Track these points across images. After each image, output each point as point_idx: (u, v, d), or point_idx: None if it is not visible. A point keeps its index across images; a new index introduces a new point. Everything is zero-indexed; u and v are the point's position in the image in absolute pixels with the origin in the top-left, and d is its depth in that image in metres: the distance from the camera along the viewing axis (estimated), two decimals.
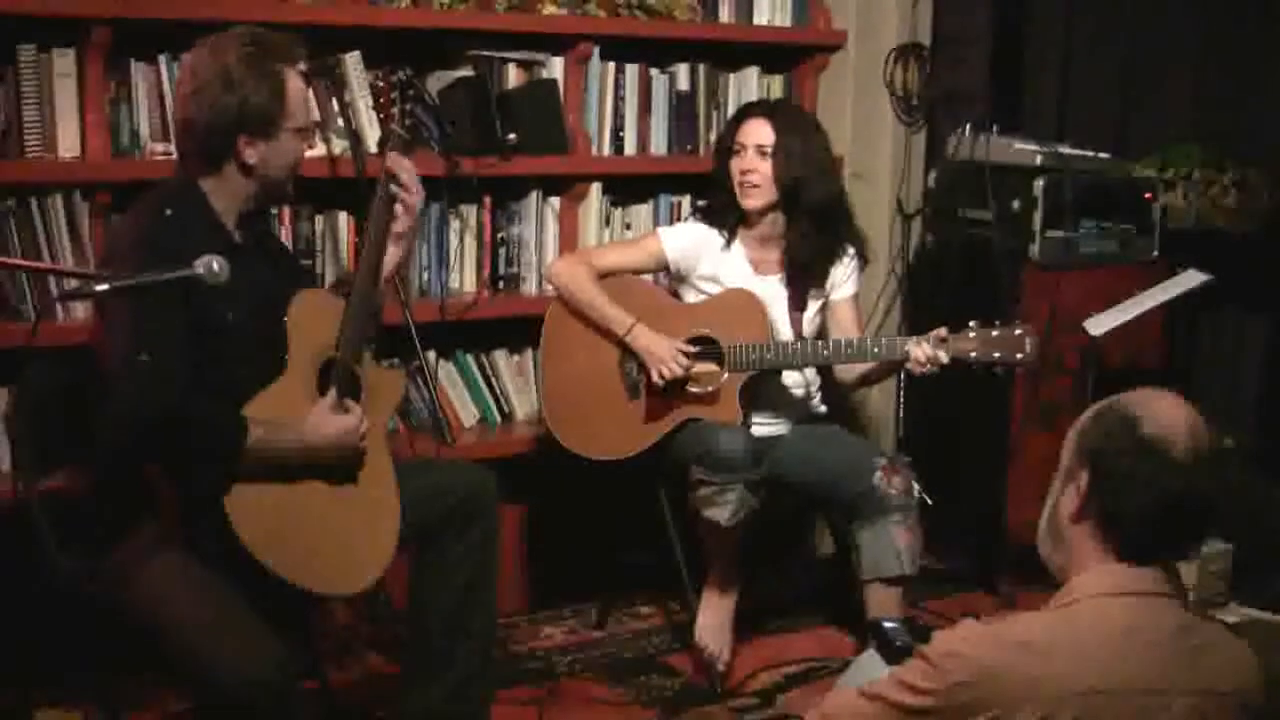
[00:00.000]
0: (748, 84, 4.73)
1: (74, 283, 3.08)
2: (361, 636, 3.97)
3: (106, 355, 2.86)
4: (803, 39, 4.82)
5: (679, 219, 4.52)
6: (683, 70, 4.61)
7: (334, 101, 3.88)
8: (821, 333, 4.05)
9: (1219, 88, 5.21)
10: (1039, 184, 4.61)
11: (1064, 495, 2.16)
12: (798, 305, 4.00)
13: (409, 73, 3.97)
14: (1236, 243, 4.96)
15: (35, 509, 2.68)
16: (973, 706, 2.03)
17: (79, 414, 2.92)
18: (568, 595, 4.41)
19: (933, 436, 4.73)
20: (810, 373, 4.09)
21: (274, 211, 3.76)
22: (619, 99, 4.50)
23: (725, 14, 4.69)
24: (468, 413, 4.37)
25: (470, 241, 4.30)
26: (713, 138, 4.59)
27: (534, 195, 4.38)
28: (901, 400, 4.84)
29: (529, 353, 4.43)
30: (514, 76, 4.32)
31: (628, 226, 4.56)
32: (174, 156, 3.63)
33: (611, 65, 4.46)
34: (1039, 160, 4.65)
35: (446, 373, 4.32)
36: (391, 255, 3.26)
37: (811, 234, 3.95)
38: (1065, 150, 4.74)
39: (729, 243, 4.00)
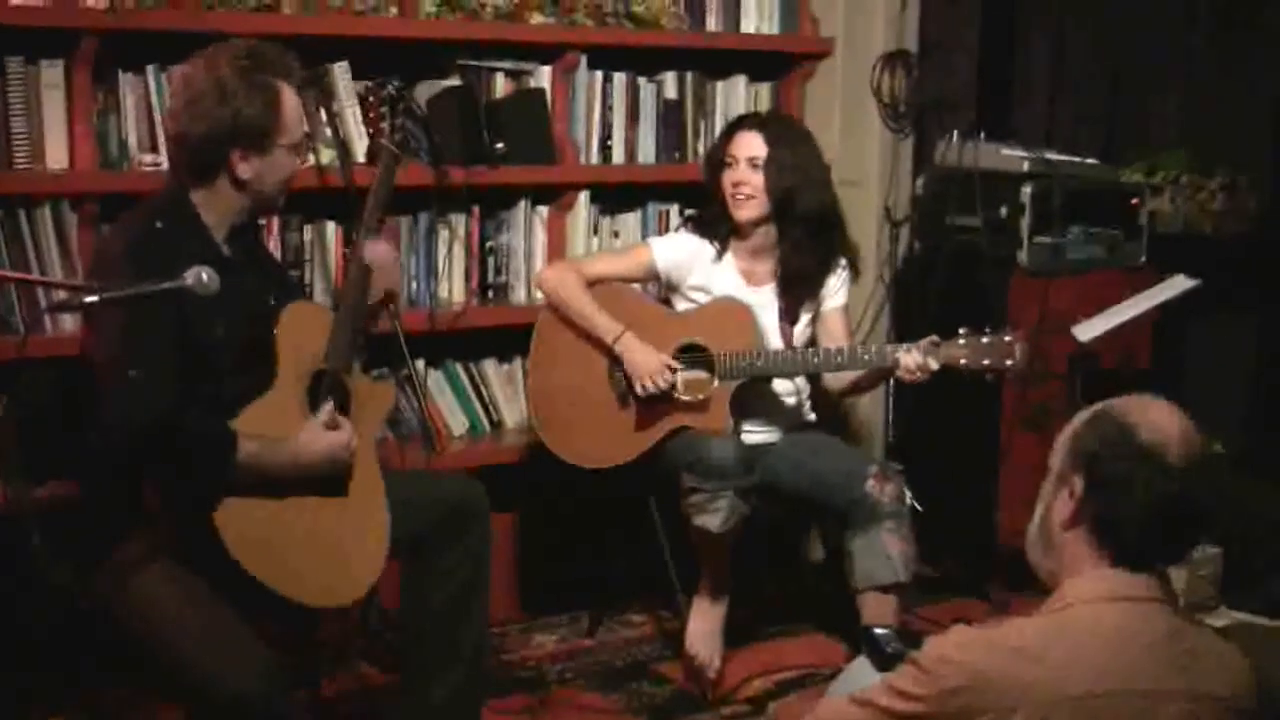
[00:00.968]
0: (735, 92, 4.73)
1: (63, 294, 3.08)
2: (353, 647, 3.96)
3: (96, 367, 2.85)
4: (790, 47, 4.82)
5: (667, 228, 4.53)
6: (670, 79, 4.62)
7: (321, 112, 3.88)
8: (812, 343, 4.05)
9: (1206, 93, 5.23)
10: (1027, 190, 4.62)
11: (1056, 501, 2.16)
12: (790, 317, 4.00)
13: (399, 85, 3.98)
14: (1224, 248, 4.97)
15: (27, 520, 2.67)
16: (965, 712, 2.03)
17: (69, 425, 2.92)
18: (559, 604, 4.41)
19: (923, 443, 4.73)
20: (801, 381, 4.09)
21: (262, 222, 3.75)
22: (606, 108, 4.50)
23: (712, 23, 4.69)
24: (456, 422, 4.37)
25: (459, 251, 4.30)
26: (700, 146, 4.60)
27: (522, 204, 4.38)
28: (891, 407, 4.84)
29: (518, 362, 4.43)
30: (501, 86, 4.32)
31: (616, 235, 4.57)
32: (163, 168, 3.65)
33: (599, 74, 4.46)
34: (1027, 166, 4.66)
35: (435, 382, 4.32)
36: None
37: (805, 245, 3.96)
38: (1053, 156, 4.75)
39: (721, 255, 4.00)
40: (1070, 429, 2.17)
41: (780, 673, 4.05)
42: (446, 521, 3.21)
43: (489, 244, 4.36)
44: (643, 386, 3.86)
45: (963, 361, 3.71)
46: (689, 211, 4.32)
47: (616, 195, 4.57)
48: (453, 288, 4.31)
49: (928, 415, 4.68)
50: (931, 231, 4.89)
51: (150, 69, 3.73)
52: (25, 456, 2.88)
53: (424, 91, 4.16)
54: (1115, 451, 2.08)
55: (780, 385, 4.03)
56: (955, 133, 4.78)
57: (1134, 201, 4.86)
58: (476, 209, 4.31)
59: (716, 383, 3.88)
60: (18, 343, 3.41)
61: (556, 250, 4.40)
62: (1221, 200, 5.02)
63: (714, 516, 3.75)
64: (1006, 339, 3.70)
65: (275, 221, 3.91)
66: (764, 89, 4.82)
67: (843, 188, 4.28)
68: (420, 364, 4.18)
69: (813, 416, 4.17)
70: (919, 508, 3.91)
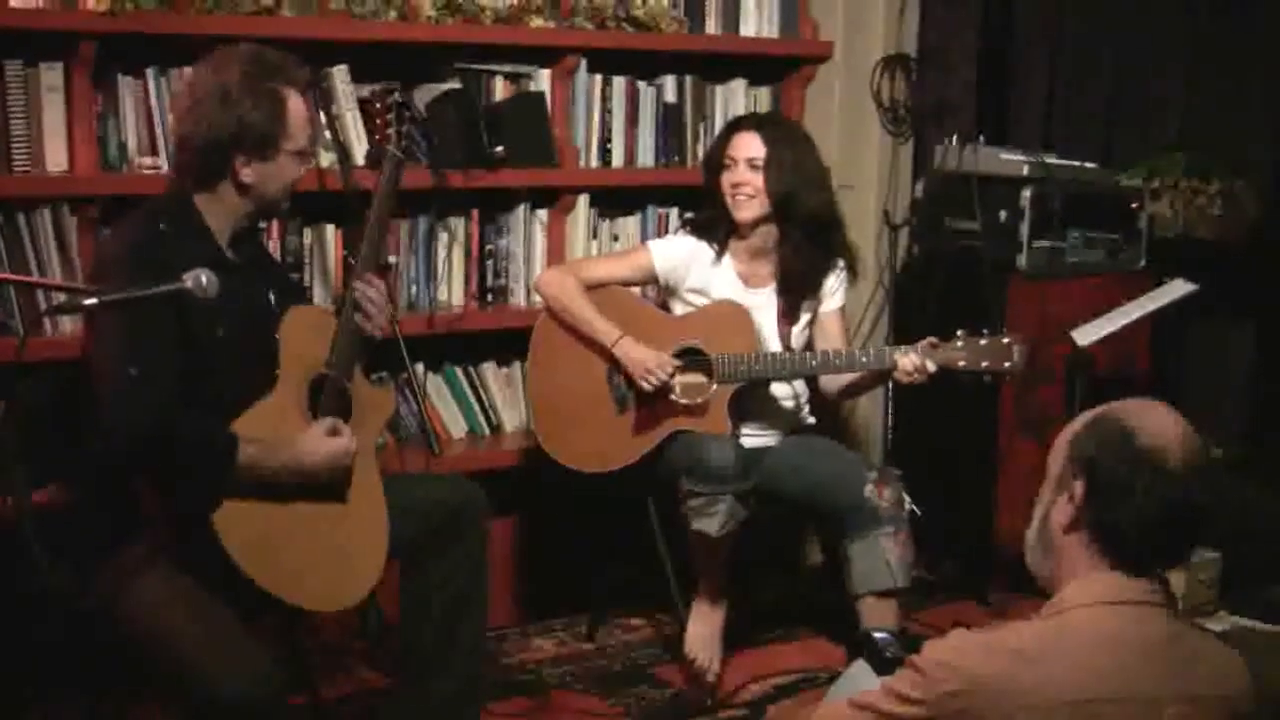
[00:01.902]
0: (735, 96, 4.73)
1: (62, 297, 3.08)
2: (352, 651, 3.96)
3: (96, 369, 2.85)
4: (790, 51, 4.83)
5: (666, 231, 4.52)
6: (670, 82, 4.62)
7: (321, 115, 3.88)
8: (809, 345, 4.05)
9: (1205, 97, 5.22)
10: (1026, 194, 4.63)
11: (1056, 505, 2.15)
12: (789, 318, 4.00)
13: (403, 93, 3.97)
14: (1223, 252, 4.97)
15: (26, 523, 2.67)
16: (963, 716, 2.03)
17: (69, 428, 2.92)
18: (558, 607, 4.41)
19: (921, 447, 4.73)
20: (799, 384, 4.09)
21: (263, 225, 3.75)
22: (606, 111, 4.50)
23: (712, 26, 4.69)
24: (456, 425, 4.37)
25: (458, 254, 4.30)
26: (700, 150, 4.60)
27: (521, 208, 4.38)
28: (890, 410, 4.85)
29: (517, 365, 4.43)
30: (501, 89, 4.32)
31: (615, 238, 4.57)
32: (163, 171, 3.66)
33: (599, 77, 4.46)
34: (1026, 170, 4.67)
35: (434, 385, 4.32)
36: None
37: (804, 246, 3.95)
38: (1052, 160, 4.76)
39: (719, 256, 4.00)
40: (1069, 433, 2.17)
41: (779, 676, 4.05)
42: (445, 525, 3.22)
43: (488, 247, 4.36)
44: (643, 380, 3.86)
45: (961, 363, 3.71)
46: (688, 215, 4.32)
47: (616, 198, 4.57)
48: (452, 291, 4.31)
49: (926, 419, 4.68)
50: (931, 235, 4.89)
51: (150, 72, 3.73)
52: (24, 459, 2.87)
53: (423, 95, 4.16)
54: (1115, 456, 2.08)
55: (779, 388, 4.03)
56: (954, 137, 4.79)
57: (1133, 206, 4.86)
58: (476, 212, 4.31)
59: (715, 386, 3.88)
60: (16, 345, 3.41)
61: (556, 253, 4.40)
62: (1220, 205, 5.02)
63: (712, 520, 3.75)
64: (1004, 341, 3.71)
65: (275, 224, 3.91)
66: (763, 93, 4.82)
67: (842, 191, 4.28)
68: (419, 367, 4.18)
69: (812, 420, 4.16)
70: (918, 512, 3.91)
